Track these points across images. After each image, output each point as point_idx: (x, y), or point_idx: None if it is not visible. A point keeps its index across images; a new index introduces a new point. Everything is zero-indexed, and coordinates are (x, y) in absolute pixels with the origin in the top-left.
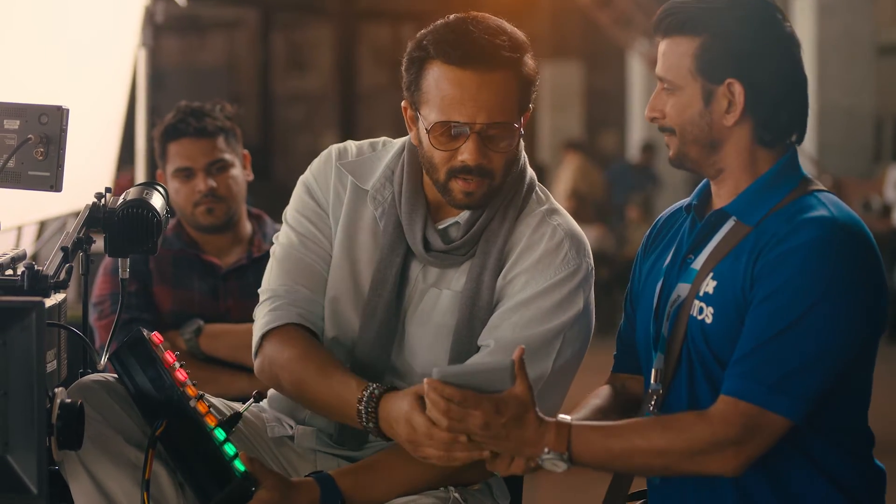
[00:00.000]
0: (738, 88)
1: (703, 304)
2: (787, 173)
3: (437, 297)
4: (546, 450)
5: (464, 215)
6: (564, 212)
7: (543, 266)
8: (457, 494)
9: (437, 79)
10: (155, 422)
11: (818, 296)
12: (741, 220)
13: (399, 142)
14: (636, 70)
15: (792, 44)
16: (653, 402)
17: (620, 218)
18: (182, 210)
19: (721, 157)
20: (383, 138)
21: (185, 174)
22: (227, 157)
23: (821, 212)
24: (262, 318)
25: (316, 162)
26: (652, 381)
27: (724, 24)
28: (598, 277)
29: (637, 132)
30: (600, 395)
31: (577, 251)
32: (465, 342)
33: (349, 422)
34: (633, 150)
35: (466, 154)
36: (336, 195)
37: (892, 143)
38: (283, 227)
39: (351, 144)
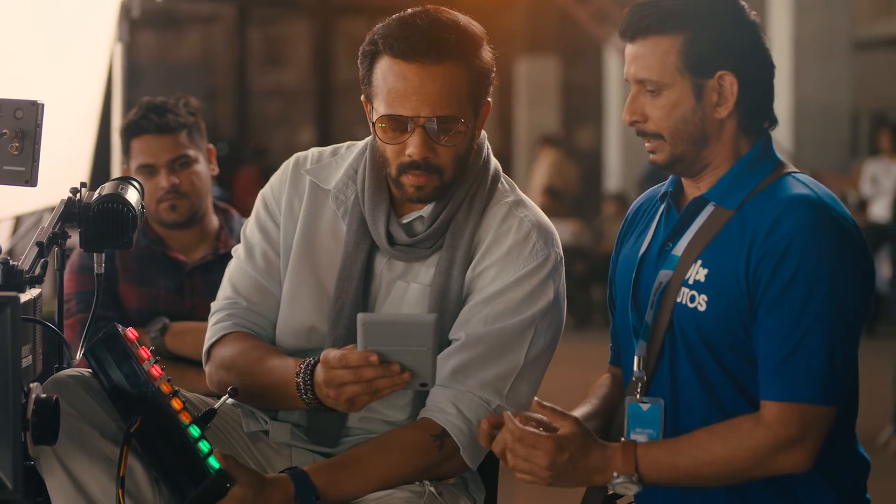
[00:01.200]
0: (729, 80)
1: (693, 292)
2: (764, 157)
3: (404, 291)
4: (615, 474)
5: (427, 209)
6: (531, 202)
7: (512, 258)
8: (432, 488)
9: (385, 72)
10: (130, 418)
11: (828, 281)
12: (721, 205)
13: (362, 142)
14: (613, 65)
15: (761, 31)
16: (638, 389)
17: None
18: (146, 206)
19: (709, 151)
20: (347, 143)
21: (148, 171)
22: (191, 152)
23: (803, 191)
24: (207, 333)
25: (275, 174)
26: (635, 369)
27: (704, 19)
28: (574, 272)
29: (614, 127)
30: (605, 383)
31: (545, 241)
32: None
33: (294, 402)
34: (611, 146)
35: (412, 148)
36: (289, 205)
37: (869, 138)
38: (241, 241)
39: (313, 151)
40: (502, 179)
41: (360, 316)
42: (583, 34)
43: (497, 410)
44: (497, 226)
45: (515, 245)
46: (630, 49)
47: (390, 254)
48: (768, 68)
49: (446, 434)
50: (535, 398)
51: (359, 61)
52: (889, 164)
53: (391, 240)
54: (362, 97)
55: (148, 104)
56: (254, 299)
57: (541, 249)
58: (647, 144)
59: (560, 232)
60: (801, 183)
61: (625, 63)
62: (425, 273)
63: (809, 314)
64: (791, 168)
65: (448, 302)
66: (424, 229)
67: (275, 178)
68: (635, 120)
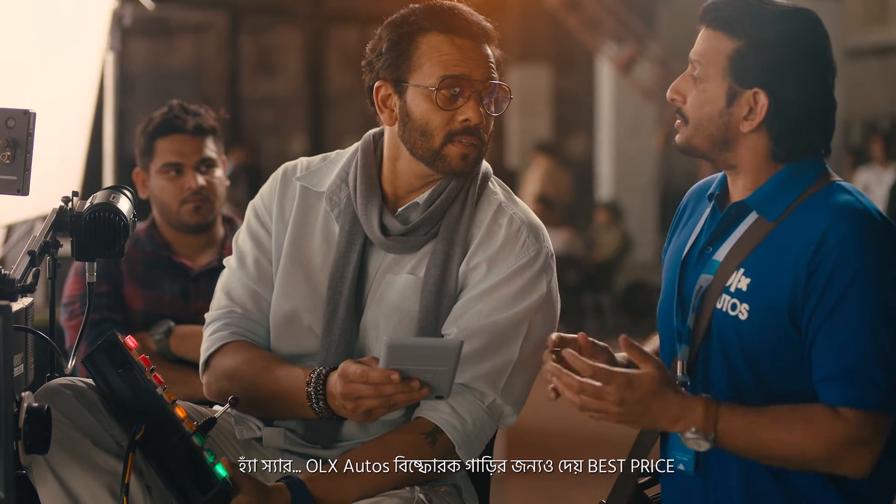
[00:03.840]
0: (762, 99)
1: (735, 300)
2: (809, 168)
3: (394, 282)
4: (693, 428)
5: (423, 196)
6: (520, 201)
7: (504, 254)
8: (422, 495)
9: (436, 45)
10: (131, 426)
11: (882, 289)
12: (761, 213)
13: (351, 147)
14: (605, 73)
15: (827, 68)
16: None
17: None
18: (167, 207)
19: (733, 154)
20: (336, 151)
21: (175, 170)
22: (215, 157)
23: (849, 200)
24: (203, 343)
25: (264, 185)
26: (679, 374)
27: (765, 34)
28: (566, 281)
29: (606, 136)
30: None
31: (536, 237)
32: (430, 330)
33: (302, 411)
34: (603, 155)
35: (470, 112)
36: (280, 212)
37: (860, 145)
38: (233, 250)
39: (302, 160)
40: (492, 179)
41: (386, 339)
42: (575, 42)
43: (492, 406)
44: (489, 222)
45: (507, 241)
46: (701, 32)
47: (384, 245)
48: (814, 104)
49: (439, 431)
50: (623, 335)
51: (384, 48)
52: (881, 172)
53: (385, 231)
54: (377, 83)
55: (179, 105)
56: (248, 307)
57: (532, 245)
58: (676, 122)
59: (552, 240)
60: (847, 192)
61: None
62: (419, 264)
63: (867, 323)
64: (835, 177)
65: (444, 295)
66: (420, 214)
67: (264, 188)
68: (674, 97)
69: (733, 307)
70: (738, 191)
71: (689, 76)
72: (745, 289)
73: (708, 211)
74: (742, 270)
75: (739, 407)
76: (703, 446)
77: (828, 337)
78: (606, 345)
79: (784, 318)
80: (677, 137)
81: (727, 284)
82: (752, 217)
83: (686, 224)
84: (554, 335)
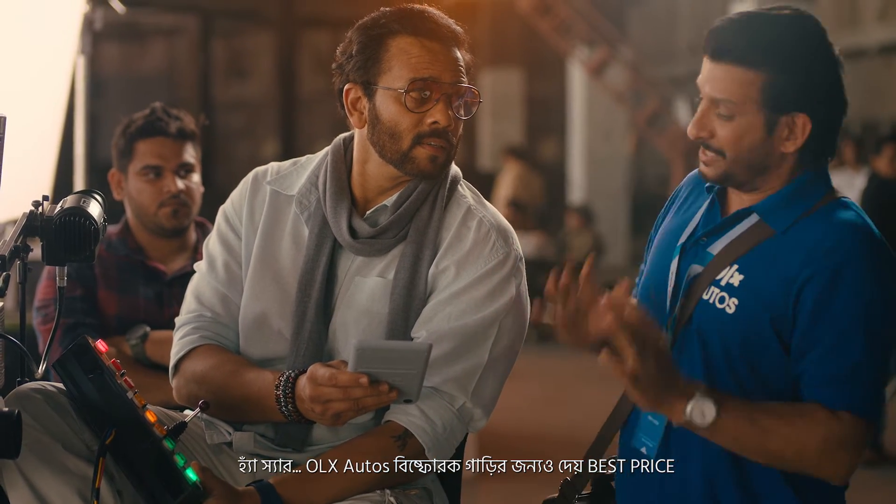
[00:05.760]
0: (802, 120)
1: (724, 294)
2: (817, 182)
3: (363, 285)
4: (697, 395)
5: (392, 198)
6: (489, 204)
7: (473, 257)
8: (392, 498)
9: (406, 48)
10: (102, 430)
11: (880, 305)
12: (766, 222)
13: (322, 151)
14: (577, 78)
15: (841, 69)
16: None
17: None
18: (144, 210)
19: (763, 178)
20: (306, 155)
21: (154, 173)
22: (194, 162)
23: (852, 217)
24: (173, 347)
25: (235, 190)
26: None
27: (788, 60)
28: (538, 285)
29: (578, 140)
30: None
31: (505, 241)
32: (399, 333)
33: (271, 414)
34: (574, 159)
35: (438, 115)
36: (250, 215)
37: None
38: (203, 255)
39: (272, 165)
40: (462, 182)
41: (356, 342)
42: (546, 47)
43: (462, 410)
44: (458, 225)
45: (476, 244)
46: (709, 66)
47: (352, 248)
48: (842, 108)
49: (409, 434)
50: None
51: (355, 50)
52: (853, 175)
53: (353, 234)
54: (347, 85)
55: (162, 108)
56: (218, 310)
57: (501, 248)
58: (702, 156)
59: (524, 245)
60: (851, 209)
61: (701, 74)
62: (388, 267)
63: (863, 333)
64: (840, 194)
65: (413, 298)
66: (389, 216)
67: (235, 193)
68: (702, 136)
69: (721, 300)
70: (745, 200)
71: (711, 112)
72: (736, 284)
73: (707, 204)
74: (736, 266)
75: (740, 397)
76: (709, 414)
77: (826, 346)
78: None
79: (766, 323)
80: (710, 170)
81: (718, 277)
82: (754, 218)
83: (679, 210)
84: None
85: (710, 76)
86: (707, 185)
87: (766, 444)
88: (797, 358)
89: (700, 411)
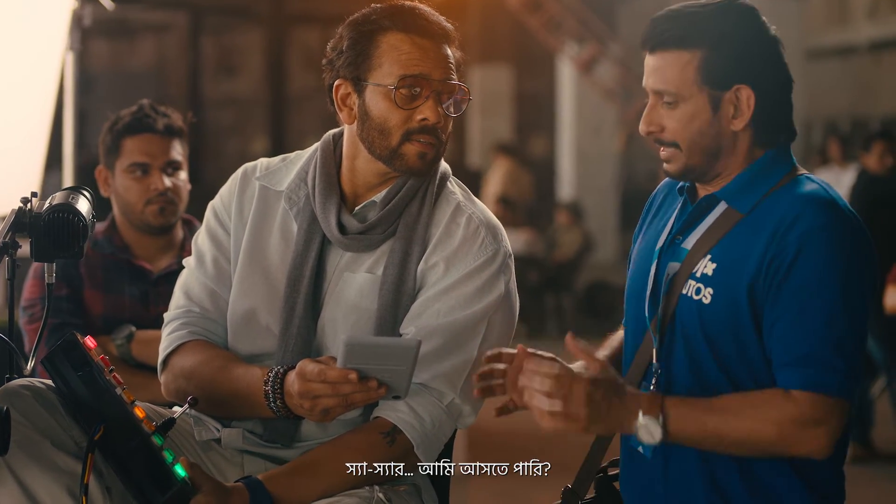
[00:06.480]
0: (746, 93)
1: (700, 285)
2: (779, 161)
3: (352, 281)
4: (640, 414)
5: (380, 194)
6: (478, 201)
7: (462, 254)
8: (381, 494)
9: (396, 44)
10: (91, 426)
11: (843, 281)
12: (732, 206)
13: (311, 147)
14: (566, 74)
15: (779, 45)
16: (653, 383)
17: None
18: (130, 207)
19: (722, 163)
20: (296, 152)
21: (141, 170)
22: (181, 159)
23: (817, 190)
24: (162, 343)
25: (224, 186)
26: (653, 361)
27: (723, 34)
28: (527, 281)
29: (567, 137)
30: (619, 337)
31: (494, 237)
32: (388, 329)
33: (260, 410)
34: (564, 155)
35: (428, 112)
36: (238, 211)
37: (821, 146)
38: (192, 250)
39: (261, 161)
40: (451, 179)
41: (344, 338)
42: (536, 43)
43: (451, 406)
44: (447, 221)
45: (465, 240)
46: (650, 60)
47: (341, 244)
48: (786, 82)
49: (397, 431)
50: (569, 333)
51: (345, 45)
52: (840, 172)
53: (342, 230)
54: (337, 81)
55: (150, 105)
56: (207, 306)
57: (490, 244)
58: (662, 153)
59: (513, 241)
60: (814, 182)
61: (644, 73)
62: (377, 263)
63: (826, 309)
64: (803, 170)
65: (402, 294)
66: (378, 212)
67: (224, 189)
68: (651, 130)
69: (697, 291)
70: (710, 188)
71: (657, 106)
72: (710, 273)
73: (679, 205)
74: (709, 257)
75: (686, 398)
76: (656, 434)
77: (786, 322)
78: (553, 354)
79: (743, 299)
80: (671, 167)
81: (693, 270)
82: (722, 206)
83: (656, 217)
84: (490, 351)
85: (651, 69)
86: (678, 186)
87: (721, 442)
88: (767, 336)
89: (647, 432)
